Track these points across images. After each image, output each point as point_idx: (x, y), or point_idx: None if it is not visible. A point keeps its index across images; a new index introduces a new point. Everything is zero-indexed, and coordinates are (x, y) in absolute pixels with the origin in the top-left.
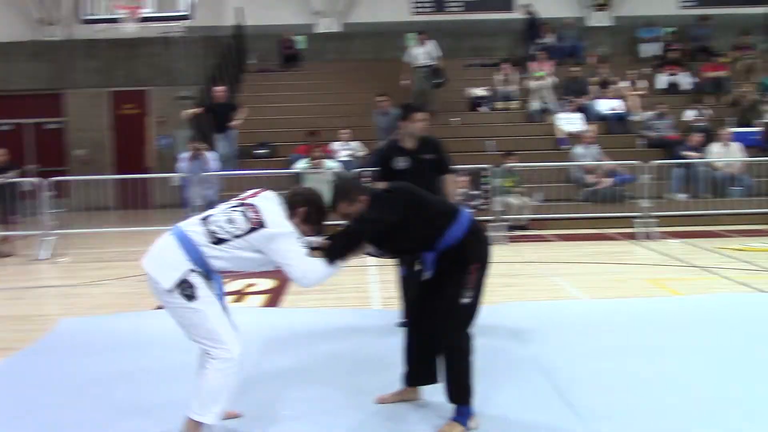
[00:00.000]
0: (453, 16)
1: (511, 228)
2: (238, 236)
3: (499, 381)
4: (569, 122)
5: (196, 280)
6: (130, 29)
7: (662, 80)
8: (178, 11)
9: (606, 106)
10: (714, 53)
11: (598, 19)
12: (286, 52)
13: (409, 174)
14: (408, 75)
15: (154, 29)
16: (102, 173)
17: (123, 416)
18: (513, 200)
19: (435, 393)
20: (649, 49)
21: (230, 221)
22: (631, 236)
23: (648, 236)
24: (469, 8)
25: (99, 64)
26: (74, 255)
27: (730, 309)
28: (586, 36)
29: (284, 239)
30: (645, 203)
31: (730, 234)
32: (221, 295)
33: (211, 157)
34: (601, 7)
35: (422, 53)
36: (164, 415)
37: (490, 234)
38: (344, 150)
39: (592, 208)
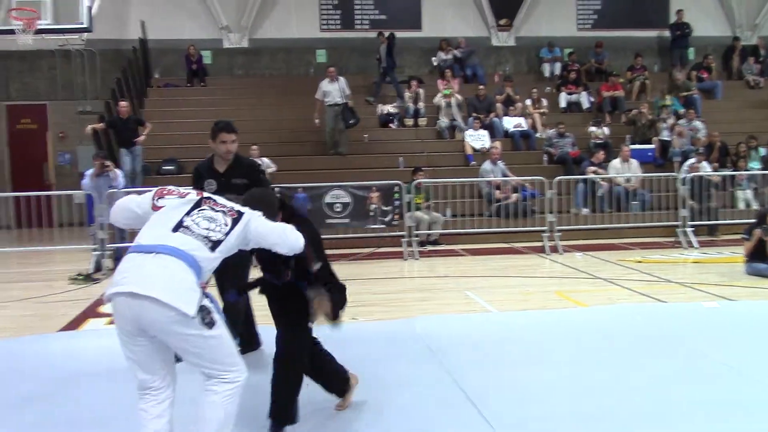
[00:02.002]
0: (360, 33)
1: (423, 243)
2: (227, 233)
3: (415, 392)
4: (476, 139)
5: (207, 303)
6: (26, 41)
7: (563, 99)
8: (77, 23)
9: (510, 123)
10: (610, 74)
11: (502, 39)
12: (191, 66)
13: None
14: (320, 113)
15: (53, 42)
16: None
17: None
18: (424, 216)
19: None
20: (550, 69)
21: (211, 220)
22: (539, 250)
23: (554, 250)
24: (377, 26)
25: None
26: None
27: (633, 319)
28: (490, 55)
29: (261, 220)
30: (550, 218)
31: (630, 246)
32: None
33: (119, 174)
34: (504, 27)
35: (334, 91)
36: None
37: (404, 249)
38: None
39: (500, 223)
